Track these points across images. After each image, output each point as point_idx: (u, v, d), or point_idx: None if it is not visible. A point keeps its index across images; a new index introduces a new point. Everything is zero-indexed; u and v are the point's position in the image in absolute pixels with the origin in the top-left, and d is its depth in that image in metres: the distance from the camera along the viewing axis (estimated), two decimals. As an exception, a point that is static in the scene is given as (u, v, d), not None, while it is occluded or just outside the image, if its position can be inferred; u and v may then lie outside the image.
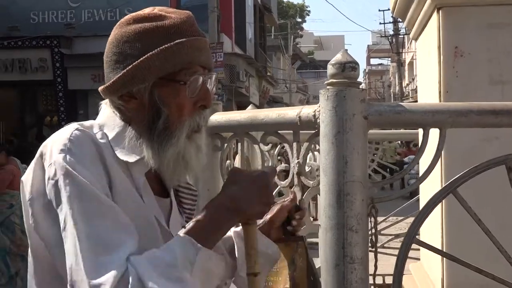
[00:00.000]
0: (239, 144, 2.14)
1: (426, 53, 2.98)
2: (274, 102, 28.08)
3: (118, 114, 1.49)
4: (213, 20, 17.44)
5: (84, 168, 1.33)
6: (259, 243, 1.74)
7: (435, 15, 2.66)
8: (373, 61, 78.37)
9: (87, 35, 17.94)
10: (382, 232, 4.20)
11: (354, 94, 1.72)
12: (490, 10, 2.58)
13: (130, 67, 1.42)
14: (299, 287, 1.75)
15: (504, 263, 1.70)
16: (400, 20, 3.46)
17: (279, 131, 1.99)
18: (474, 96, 2.48)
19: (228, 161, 2.39)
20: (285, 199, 1.84)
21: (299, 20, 54.63)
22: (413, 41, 3.42)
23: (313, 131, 1.83)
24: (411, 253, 3.09)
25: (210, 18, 17.38)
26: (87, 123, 1.49)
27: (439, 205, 2.53)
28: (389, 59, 56.91)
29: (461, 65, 2.58)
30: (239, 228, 1.81)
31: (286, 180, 1.94)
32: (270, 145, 2.03)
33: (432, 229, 2.69)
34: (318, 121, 1.77)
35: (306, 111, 1.84)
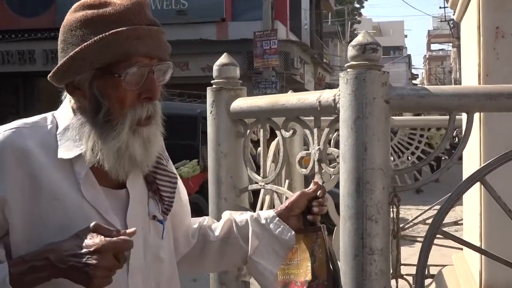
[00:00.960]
0: (261, 131, 2.07)
1: (467, 35, 2.85)
2: (330, 89, 27.66)
3: (71, 105, 1.47)
4: (267, 7, 17.35)
5: None
6: (276, 228, 1.69)
7: (476, -6, 2.52)
8: (434, 46, 76.74)
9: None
10: (427, 221, 4.07)
11: (374, 77, 1.64)
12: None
13: (67, 57, 1.39)
14: (318, 279, 1.69)
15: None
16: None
17: (300, 117, 1.92)
18: (516, 79, 2.34)
19: (259, 148, 2.33)
20: (309, 188, 1.78)
21: (357, 5, 53.84)
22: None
23: (334, 117, 1.76)
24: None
25: (264, 5, 17.31)
26: (43, 115, 1.49)
27: (478, 194, 2.41)
28: (450, 44, 55.61)
29: (502, 47, 2.44)
30: (255, 213, 1.76)
31: (308, 167, 1.87)
32: (291, 131, 1.96)
33: (472, 221, 2.58)
34: (338, 106, 1.69)
35: (326, 95, 1.76)
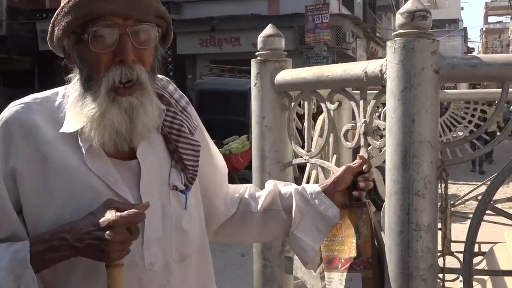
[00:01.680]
0: (306, 103, 2.02)
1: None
2: (383, 63, 27.26)
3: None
4: (319, -20, 17.12)
5: None
6: (321, 204, 1.65)
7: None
8: (491, 19, 74.50)
9: (195, 0, 18.18)
10: (479, 198, 3.94)
11: (423, 46, 1.57)
12: None
13: (50, 23, 1.40)
14: (363, 255, 1.65)
15: None
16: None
17: (346, 88, 1.86)
18: None
19: (307, 121, 2.29)
20: (354, 162, 1.73)
21: (412, -22, 52.60)
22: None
23: (380, 88, 1.69)
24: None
25: (316, -22, 17.09)
26: (55, 90, 1.48)
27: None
28: (509, 16, 53.87)
29: None
30: (300, 187, 1.72)
31: (353, 140, 1.81)
32: (337, 104, 1.90)
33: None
34: (384, 76, 1.63)
35: (373, 66, 1.70)
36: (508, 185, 4.80)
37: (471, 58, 1.59)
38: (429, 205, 1.55)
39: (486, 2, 71.90)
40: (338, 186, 1.68)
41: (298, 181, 2.32)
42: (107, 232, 1.28)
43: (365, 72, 1.71)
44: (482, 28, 75.04)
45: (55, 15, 1.41)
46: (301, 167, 2.27)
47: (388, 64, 1.61)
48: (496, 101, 4.52)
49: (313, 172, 2.44)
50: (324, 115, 2.49)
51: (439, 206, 1.59)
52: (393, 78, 1.58)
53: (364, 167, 1.68)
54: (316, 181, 2.36)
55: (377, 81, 1.68)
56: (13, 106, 1.42)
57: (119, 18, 1.36)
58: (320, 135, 2.61)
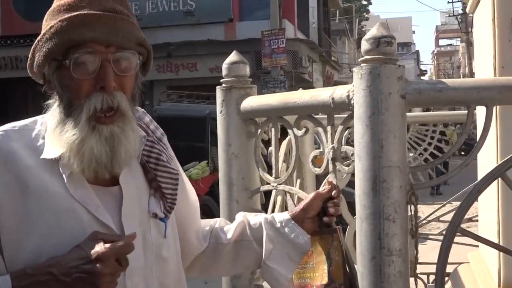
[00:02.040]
0: (273, 130, 2.02)
1: (481, 27, 2.78)
2: (340, 87, 27.62)
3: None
4: (275, 6, 17.30)
5: None
6: (291, 232, 1.64)
7: (490, -15, 2.45)
8: (442, 42, 76.32)
9: (151, 26, 18.15)
10: (441, 219, 4.00)
11: (390, 71, 1.58)
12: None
13: (31, 52, 1.41)
14: (335, 282, 1.64)
15: None
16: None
17: (313, 114, 1.86)
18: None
19: (270, 148, 2.28)
20: (323, 188, 1.72)
21: (365, 2, 53.68)
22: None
23: (347, 114, 1.70)
24: (472, 241, 2.88)
25: (272, 4, 17.26)
26: (33, 118, 1.47)
27: (496, 192, 2.35)
28: (459, 39, 55.32)
29: (519, 38, 2.37)
30: (270, 216, 1.71)
31: (322, 166, 1.81)
32: (304, 130, 1.90)
33: (490, 218, 2.51)
34: (352, 102, 1.64)
35: (340, 91, 1.70)
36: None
37: (437, 83, 1.61)
38: (399, 230, 1.55)
39: (436, 26, 73.72)
40: (307, 213, 1.67)
41: (264, 208, 2.31)
42: (97, 265, 1.26)
43: (332, 98, 1.71)
44: (433, 51, 76.82)
45: (36, 41, 1.40)
46: (267, 194, 2.26)
47: (355, 90, 1.61)
48: (450, 123, 4.60)
49: (279, 198, 2.43)
50: (287, 141, 2.50)
51: (409, 230, 1.60)
52: (360, 103, 1.59)
53: (333, 193, 1.68)
54: (283, 207, 2.35)
55: (345, 107, 1.69)
56: None
57: (101, 45, 1.36)
58: (285, 161, 2.60)
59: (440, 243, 1.60)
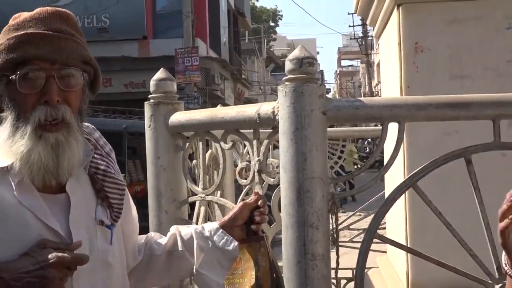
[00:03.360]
0: (200, 144, 2.04)
1: (388, 50, 2.92)
2: (250, 103, 27.91)
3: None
4: (188, 25, 17.29)
5: None
6: (220, 240, 1.67)
7: (395, 12, 2.59)
8: (344, 62, 78.60)
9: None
10: (351, 227, 4.14)
11: (312, 90, 1.64)
12: (450, 6, 2.52)
13: None
14: (262, 286, 1.68)
15: (467, 255, 1.63)
16: (364, 20, 3.41)
17: (239, 129, 1.90)
18: (435, 90, 2.41)
19: (194, 161, 2.30)
20: (250, 199, 1.76)
21: (272, 24, 54.58)
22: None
23: (272, 129, 1.75)
24: (380, 246, 3.02)
25: (185, 23, 17.24)
26: None
27: (403, 200, 2.47)
28: (359, 60, 57.14)
29: (422, 61, 2.52)
30: (200, 226, 1.74)
31: (248, 178, 1.85)
32: (231, 143, 1.94)
33: (398, 224, 2.63)
34: (277, 118, 1.69)
35: (265, 108, 1.75)
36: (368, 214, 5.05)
37: (355, 101, 1.69)
38: (322, 236, 1.61)
39: (339, 47, 75.82)
40: (236, 221, 1.71)
41: (189, 218, 2.32)
42: (48, 270, 1.29)
43: (258, 114, 1.76)
44: (336, 71, 78.94)
45: None
46: (191, 205, 2.27)
47: (280, 107, 1.67)
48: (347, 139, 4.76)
49: (202, 209, 2.45)
50: (209, 154, 2.52)
51: (331, 237, 1.66)
52: (285, 119, 1.64)
53: (259, 203, 1.72)
54: (206, 217, 2.37)
55: (270, 122, 1.74)
56: None
57: (46, 62, 1.39)
58: (206, 173, 2.63)
59: (349, 249, 1.67)
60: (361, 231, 4.29)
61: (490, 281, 1.59)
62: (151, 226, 2.08)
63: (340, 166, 4.97)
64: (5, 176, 1.39)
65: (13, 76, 1.38)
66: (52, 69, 1.39)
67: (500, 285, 1.58)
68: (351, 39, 45.94)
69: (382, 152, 2.09)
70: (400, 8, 2.54)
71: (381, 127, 1.70)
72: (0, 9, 18.05)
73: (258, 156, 1.81)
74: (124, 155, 9.41)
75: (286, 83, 1.67)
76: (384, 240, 1.68)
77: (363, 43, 41.08)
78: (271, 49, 48.25)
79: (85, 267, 1.41)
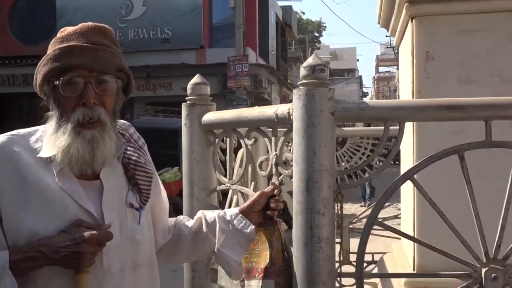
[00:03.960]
0: (228, 140, 2.09)
1: (404, 58, 2.90)
2: (294, 105, 27.82)
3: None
4: (239, 36, 17.39)
5: None
6: (239, 224, 1.71)
7: (409, 23, 2.58)
8: (381, 69, 77.50)
9: (132, 50, 18.09)
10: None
11: (322, 93, 1.66)
12: (459, 19, 2.48)
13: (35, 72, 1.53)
14: (275, 265, 1.71)
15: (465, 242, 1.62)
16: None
17: (261, 127, 1.93)
18: (443, 95, 2.38)
19: (228, 154, 2.34)
20: (267, 188, 1.79)
21: (317, 34, 54.24)
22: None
23: (288, 127, 1.78)
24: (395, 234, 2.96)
25: (237, 34, 17.35)
26: (35, 127, 1.57)
27: (412, 192, 2.46)
28: (395, 67, 56.28)
29: (432, 68, 2.50)
30: (223, 211, 1.78)
31: (267, 169, 1.89)
32: (253, 139, 1.98)
33: (408, 214, 2.62)
34: (291, 117, 1.71)
35: (282, 109, 1.78)
36: (395, 206, 5.00)
37: (360, 103, 1.70)
38: (328, 222, 1.63)
39: (377, 55, 74.86)
40: (254, 208, 1.74)
41: (221, 204, 2.37)
42: (82, 245, 1.38)
43: (276, 114, 1.79)
44: (374, 76, 77.93)
45: (37, 66, 1.52)
46: (224, 193, 2.32)
47: (294, 108, 1.69)
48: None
49: (234, 197, 2.49)
50: (242, 150, 2.56)
51: (336, 223, 1.68)
52: (298, 119, 1.67)
53: (275, 192, 1.75)
54: (237, 204, 2.42)
55: (286, 122, 1.76)
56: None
57: (85, 70, 1.46)
58: (240, 166, 2.67)
59: (373, 236, 1.68)
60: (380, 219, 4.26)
61: (478, 265, 1.58)
62: (184, 211, 2.13)
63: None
64: (48, 165, 1.48)
65: (57, 82, 1.46)
66: (90, 76, 1.46)
67: (486, 268, 1.56)
68: (387, 47, 45.29)
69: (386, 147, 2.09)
70: (413, 20, 2.52)
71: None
72: (74, 22, 18.60)
73: (276, 151, 1.84)
74: (179, 150, 9.54)
75: (300, 87, 1.69)
76: (384, 226, 1.68)
77: (398, 51, 40.44)
78: (315, 57, 47.90)
79: (115, 243, 1.48)
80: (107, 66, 1.49)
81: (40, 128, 1.56)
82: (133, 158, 1.61)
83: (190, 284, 2.19)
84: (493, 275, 1.57)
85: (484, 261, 1.57)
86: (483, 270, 1.56)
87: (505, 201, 1.58)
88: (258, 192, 1.77)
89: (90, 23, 1.54)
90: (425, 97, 2.40)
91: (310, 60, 1.71)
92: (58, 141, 1.46)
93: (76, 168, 1.47)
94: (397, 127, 1.67)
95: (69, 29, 1.53)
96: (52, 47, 1.51)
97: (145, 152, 1.69)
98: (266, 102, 19.79)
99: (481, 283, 1.58)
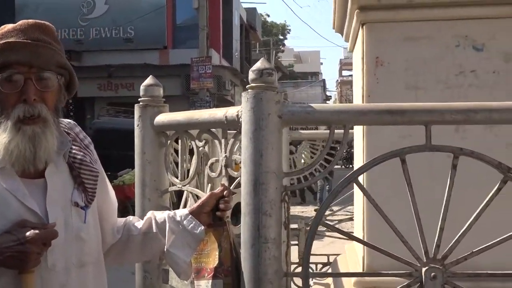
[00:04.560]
0: (179, 141, 2.11)
1: (356, 63, 2.97)
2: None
3: None
4: (203, 37, 17.36)
5: None
6: (189, 224, 1.73)
7: (360, 30, 2.64)
8: (345, 72, 78.36)
9: (94, 49, 17.88)
10: (327, 218, 4.19)
11: (269, 97, 1.70)
12: (406, 26, 2.56)
13: None
14: (224, 265, 1.74)
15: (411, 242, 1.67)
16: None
17: (211, 129, 1.96)
18: (392, 99, 2.45)
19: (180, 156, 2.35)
20: (217, 189, 1.82)
21: (281, 37, 54.53)
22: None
23: (237, 129, 1.81)
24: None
25: (200, 35, 17.31)
26: None
27: (361, 194, 2.51)
28: (358, 71, 56.85)
29: (381, 73, 2.56)
30: (172, 212, 1.80)
31: (216, 171, 1.92)
32: (204, 141, 2.01)
33: (359, 215, 2.68)
34: (240, 120, 1.75)
35: (231, 111, 1.81)
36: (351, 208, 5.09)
37: (307, 106, 1.74)
38: (274, 223, 1.66)
39: (340, 59, 75.69)
40: (203, 208, 1.77)
41: (175, 206, 2.38)
42: (27, 245, 1.37)
43: (226, 117, 1.82)
44: (337, 80, 78.73)
45: None
46: (179, 195, 2.34)
47: (243, 110, 1.72)
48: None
49: (189, 199, 2.51)
50: (194, 151, 2.58)
51: (283, 223, 1.71)
52: (246, 121, 1.70)
53: (225, 193, 1.78)
54: (191, 205, 2.43)
55: (235, 124, 1.80)
56: None
57: (25, 67, 1.45)
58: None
59: (332, 239, 1.72)
60: (336, 221, 4.37)
61: (418, 264, 1.65)
62: (136, 211, 2.14)
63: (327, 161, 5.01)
64: None
65: None
66: (30, 72, 1.45)
67: (426, 268, 1.63)
68: (351, 51, 45.80)
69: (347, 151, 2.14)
70: (364, 26, 2.58)
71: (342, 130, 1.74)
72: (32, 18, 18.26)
73: (226, 152, 1.87)
74: (140, 151, 9.44)
75: (249, 90, 1.73)
76: (327, 226, 1.73)
77: (361, 55, 40.92)
78: (279, 59, 48.24)
79: (60, 242, 1.48)
80: (47, 63, 1.49)
81: None
82: (78, 157, 1.61)
83: (142, 285, 2.20)
84: (432, 274, 1.63)
85: (424, 260, 1.63)
86: (423, 269, 1.62)
87: (444, 203, 1.65)
88: (208, 193, 1.80)
89: (30, 20, 1.53)
90: (375, 101, 2.46)
91: (258, 64, 1.75)
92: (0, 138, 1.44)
93: (17, 165, 1.46)
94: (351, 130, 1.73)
95: (9, 26, 1.52)
96: None
97: (92, 151, 1.69)
98: (230, 104, 19.78)
99: (421, 282, 1.64)
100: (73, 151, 1.61)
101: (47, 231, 1.42)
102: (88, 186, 1.61)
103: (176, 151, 2.25)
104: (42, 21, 1.55)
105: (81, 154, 1.62)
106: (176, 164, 2.23)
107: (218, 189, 1.81)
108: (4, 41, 1.47)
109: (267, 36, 44.56)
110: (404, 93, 2.55)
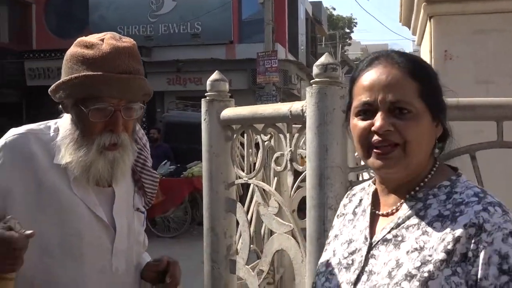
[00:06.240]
0: (245, 135, 2.14)
1: (424, 56, 2.91)
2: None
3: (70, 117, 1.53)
4: (269, 31, 17.36)
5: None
6: None
7: (428, 23, 2.59)
8: (413, 65, 76.29)
9: (163, 45, 18.29)
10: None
11: (334, 92, 1.70)
12: (476, 18, 2.49)
13: (56, 83, 1.49)
14: None
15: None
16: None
17: (276, 123, 1.98)
18: (461, 94, 2.40)
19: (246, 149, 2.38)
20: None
21: (347, 30, 53.78)
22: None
23: (302, 124, 1.82)
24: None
25: (266, 29, 17.32)
26: (47, 123, 1.57)
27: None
28: (427, 63, 55.38)
29: (450, 67, 2.51)
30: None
31: (282, 165, 1.94)
32: (269, 135, 2.03)
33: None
34: (305, 114, 1.76)
35: (296, 106, 1.83)
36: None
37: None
38: (339, 217, 1.67)
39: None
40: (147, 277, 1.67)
41: (242, 198, 2.43)
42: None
43: (290, 111, 1.84)
44: (405, 73, 76.76)
45: (62, 81, 1.48)
46: (246, 187, 2.37)
47: (307, 105, 1.74)
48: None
49: (256, 192, 2.54)
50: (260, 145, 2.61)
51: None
52: (311, 116, 1.71)
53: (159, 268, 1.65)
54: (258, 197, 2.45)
55: (299, 119, 1.81)
56: (14, 135, 1.51)
57: (115, 99, 1.46)
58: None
59: None
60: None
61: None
62: (204, 204, 2.19)
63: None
64: (63, 171, 1.50)
65: (86, 110, 1.45)
66: (119, 104, 1.46)
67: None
68: (419, 45, 44.66)
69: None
70: (431, 19, 2.54)
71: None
72: (106, 17, 18.86)
73: (290, 147, 1.89)
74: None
75: (313, 85, 1.74)
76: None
77: (430, 48, 39.81)
78: (346, 53, 47.60)
79: (123, 247, 1.55)
80: (136, 95, 1.50)
81: (52, 125, 1.57)
82: (140, 161, 1.66)
83: (210, 275, 2.25)
84: None
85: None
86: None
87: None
88: (146, 266, 1.69)
89: (119, 43, 1.49)
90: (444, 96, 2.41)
91: (322, 59, 1.76)
92: (79, 155, 1.47)
93: (93, 182, 1.50)
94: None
95: (101, 47, 1.47)
96: (80, 67, 1.46)
97: (148, 149, 1.72)
98: (296, 98, 19.76)
99: None
100: (136, 154, 1.63)
101: (19, 238, 1.30)
102: (148, 191, 1.67)
103: (242, 144, 2.28)
104: (129, 43, 1.51)
105: (142, 157, 1.67)
106: (242, 157, 2.27)
107: (156, 264, 1.67)
108: (98, 72, 1.43)
109: (333, 29, 44.07)
110: (474, 87, 2.49)
